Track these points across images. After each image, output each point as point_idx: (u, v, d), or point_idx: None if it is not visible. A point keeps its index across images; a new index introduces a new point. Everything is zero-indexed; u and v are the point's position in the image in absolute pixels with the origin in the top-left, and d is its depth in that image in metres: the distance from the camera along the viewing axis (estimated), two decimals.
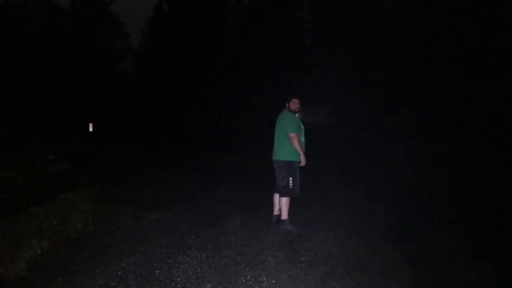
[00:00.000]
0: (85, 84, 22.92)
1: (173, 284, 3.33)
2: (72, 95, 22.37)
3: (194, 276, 3.51)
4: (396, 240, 4.80)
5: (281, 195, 4.95)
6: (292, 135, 4.78)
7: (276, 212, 5.17)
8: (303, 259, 4.04)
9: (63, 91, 21.86)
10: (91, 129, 21.98)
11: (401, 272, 3.81)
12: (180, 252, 4.04)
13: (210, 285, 3.36)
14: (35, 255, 3.61)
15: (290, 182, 4.84)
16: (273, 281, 3.47)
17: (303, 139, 4.98)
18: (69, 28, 25.00)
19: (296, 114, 5.04)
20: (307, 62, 19.92)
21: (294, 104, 4.99)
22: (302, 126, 5.00)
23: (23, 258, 3.47)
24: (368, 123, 15.40)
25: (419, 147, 11.92)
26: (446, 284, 3.62)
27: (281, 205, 4.96)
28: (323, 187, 8.37)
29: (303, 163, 4.87)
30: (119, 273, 3.49)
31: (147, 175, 9.00)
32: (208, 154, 15.57)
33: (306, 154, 4.99)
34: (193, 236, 4.57)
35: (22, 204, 4.80)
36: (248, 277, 3.55)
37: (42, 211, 4.64)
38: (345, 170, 11.52)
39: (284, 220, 4.96)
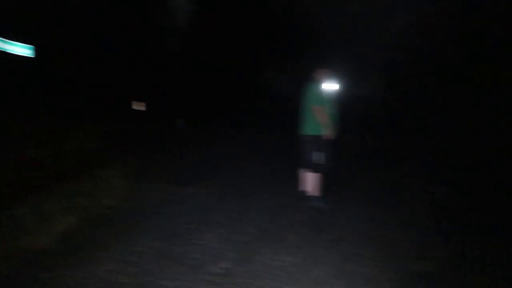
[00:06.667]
0: (134, 61, 23.35)
1: (188, 261, 3.29)
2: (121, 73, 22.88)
3: (211, 253, 3.46)
4: (432, 218, 4.47)
5: (309, 171, 4.76)
6: (316, 107, 4.53)
7: (304, 188, 4.99)
8: (328, 237, 3.87)
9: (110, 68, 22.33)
10: (138, 107, 22.61)
11: (431, 253, 3.52)
12: (202, 228, 4.02)
13: (226, 262, 3.29)
14: (61, 230, 3.73)
15: (318, 157, 4.63)
16: (291, 260, 3.33)
17: (331, 111, 4.69)
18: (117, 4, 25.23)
19: (324, 85, 4.77)
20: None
21: (321, 74, 4.71)
22: (330, 97, 4.72)
23: (49, 232, 3.60)
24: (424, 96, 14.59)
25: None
26: (480, 267, 3.29)
27: (310, 181, 4.77)
28: (360, 163, 8.03)
29: (328, 137, 4.62)
30: (139, 248, 3.52)
31: (182, 151, 9.16)
32: (243, 130, 15.51)
33: (339, 127, 4.75)
34: (218, 213, 4.53)
35: (54, 181, 4.99)
36: (268, 256, 3.43)
37: (72, 187, 4.81)
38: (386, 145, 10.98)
39: (313, 196, 4.78)
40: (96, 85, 21.50)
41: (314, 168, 4.69)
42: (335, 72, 5.08)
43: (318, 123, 4.57)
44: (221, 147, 10.61)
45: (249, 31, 21.26)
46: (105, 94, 21.84)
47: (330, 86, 4.90)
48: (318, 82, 4.70)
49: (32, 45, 19.72)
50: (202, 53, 23.26)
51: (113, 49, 22.57)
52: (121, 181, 5.42)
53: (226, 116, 19.68)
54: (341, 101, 5.03)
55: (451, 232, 4.08)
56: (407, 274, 3.13)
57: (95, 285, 2.86)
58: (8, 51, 18.19)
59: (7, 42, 18.13)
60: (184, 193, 5.42)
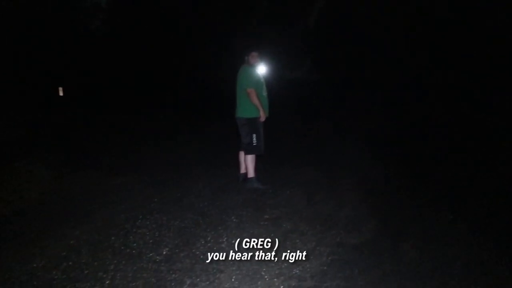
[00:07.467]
0: (54, 45, 21.68)
1: (127, 250, 3.20)
2: (39, 58, 21.17)
3: (151, 241, 3.39)
4: (364, 194, 4.75)
5: (245, 153, 4.80)
6: (250, 90, 4.56)
7: (242, 170, 5.03)
8: (267, 217, 3.96)
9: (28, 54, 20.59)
10: (61, 94, 21.05)
11: (365, 225, 3.75)
12: (140, 217, 3.90)
13: (167, 249, 3.24)
14: None
15: (254, 139, 4.68)
16: (233, 241, 3.37)
17: (264, 93, 4.76)
18: None
19: (257, 69, 4.79)
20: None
21: (253, 57, 4.73)
22: (262, 80, 4.77)
23: None
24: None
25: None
26: (409, 236, 3.58)
27: (247, 163, 4.82)
28: (295, 144, 8.25)
29: (262, 119, 4.69)
30: (71, 242, 3.34)
31: (114, 139, 8.74)
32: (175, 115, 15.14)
33: (271, 109, 4.83)
34: (155, 200, 4.43)
35: None
36: (208, 239, 3.44)
37: None
38: (321, 126, 11.35)
39: (250, 178, 4.84)
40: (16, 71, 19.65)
41: (249, 149, 4.75)
42: (266, 55, 5.13)
43: (252, 106, 4.62)
44: (151, 133, 10.26)
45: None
46: (27, 81, 20.09)
47: (262, 69, 4.95)
48: (251, 65, 4.73)
49: None
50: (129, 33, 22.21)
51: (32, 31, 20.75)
52: (46, 172, 5.06)
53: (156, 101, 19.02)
54: (272, 84, 5.11)
55: (381, 206, 4.38)
56: (344, 246, 3.32)
57: (26, 284, 2.68)
58: None
59: None
60: (116, 181, 5.20)
